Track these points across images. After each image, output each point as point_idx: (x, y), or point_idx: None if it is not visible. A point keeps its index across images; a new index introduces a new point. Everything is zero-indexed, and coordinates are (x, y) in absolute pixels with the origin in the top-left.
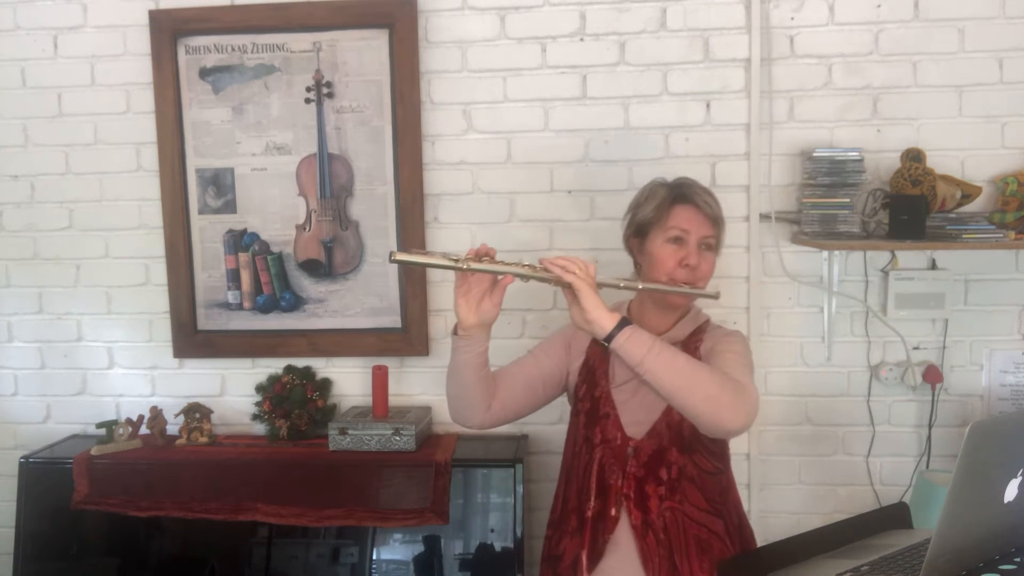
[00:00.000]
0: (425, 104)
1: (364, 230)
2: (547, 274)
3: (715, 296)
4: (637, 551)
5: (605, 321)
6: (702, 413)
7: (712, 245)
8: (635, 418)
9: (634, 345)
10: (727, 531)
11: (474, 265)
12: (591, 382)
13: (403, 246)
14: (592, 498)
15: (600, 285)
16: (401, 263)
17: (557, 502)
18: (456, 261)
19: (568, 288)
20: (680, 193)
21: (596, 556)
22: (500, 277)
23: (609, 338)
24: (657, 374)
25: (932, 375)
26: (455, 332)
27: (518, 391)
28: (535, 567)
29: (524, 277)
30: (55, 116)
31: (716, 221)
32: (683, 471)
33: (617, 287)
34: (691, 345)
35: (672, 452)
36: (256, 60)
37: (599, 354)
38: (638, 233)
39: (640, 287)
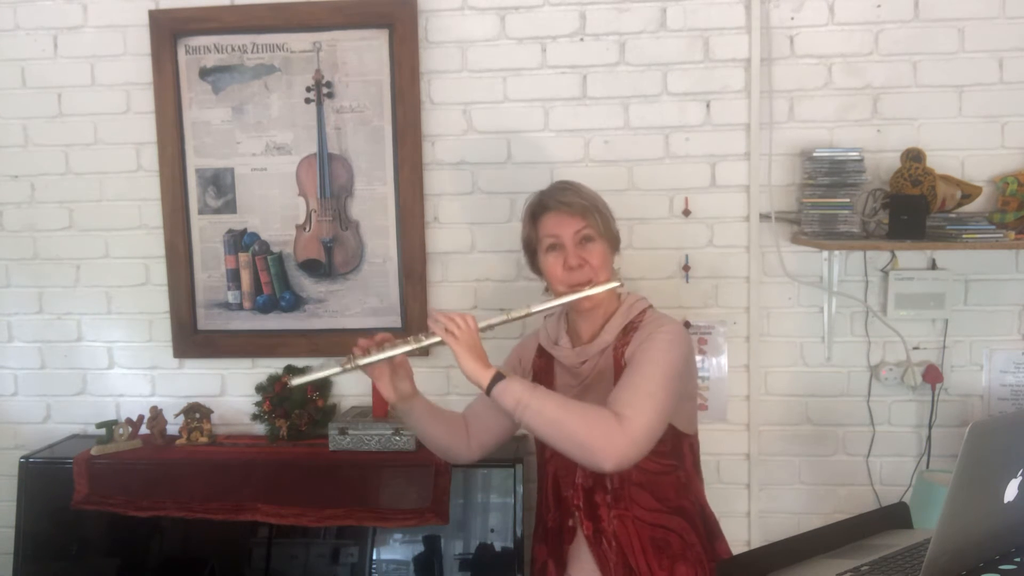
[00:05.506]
0: (425, 104)
1: (364, 230)
2: (432, 337)
3: (619, 284)
4: (594, 558)
5: (480, 377)
6: (576, 457)
7: (591, 235)
8: None
9: (506, 400)
10: (690, 526)
11: (361, 362)
12: None
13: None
14: (552, 508)
15: (488, 328)
16: (300, 386)
17: (537, 509)
18: (345, 365)
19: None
20: (539, 203)
21: (561, 565)
22: (394, 359)
23: (488, 391)
24: (529, 426)
25: (932, 375)
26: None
27: (490, 424)
28: None
29: (413, 351)
30: (55, 116)
31: (585, 211)
32: (627, 478)
33: (507, 321)
34: (619, 349)
35: None
36: (256, 60)
37: (543, 367)
38: (530, 254)
39: (532, 311)
